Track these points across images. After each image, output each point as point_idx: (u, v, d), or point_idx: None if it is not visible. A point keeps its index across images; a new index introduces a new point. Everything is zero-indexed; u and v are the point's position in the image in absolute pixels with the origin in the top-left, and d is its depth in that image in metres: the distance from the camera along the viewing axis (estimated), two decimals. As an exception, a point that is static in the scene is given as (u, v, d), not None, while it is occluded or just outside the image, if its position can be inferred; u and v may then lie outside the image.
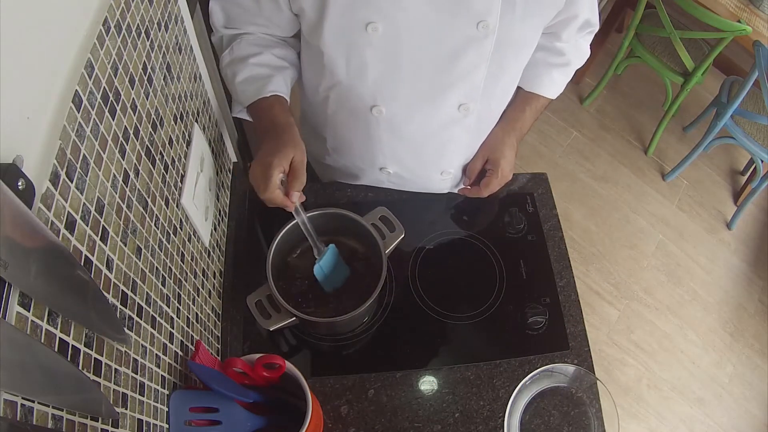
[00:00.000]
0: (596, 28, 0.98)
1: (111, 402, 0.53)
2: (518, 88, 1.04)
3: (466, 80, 0.87)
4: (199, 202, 0.88)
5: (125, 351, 0.58)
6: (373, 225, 0.94)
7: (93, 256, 0.51)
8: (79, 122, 0.50)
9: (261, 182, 0.82)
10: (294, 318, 0.89)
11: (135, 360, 0.60)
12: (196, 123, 0.90)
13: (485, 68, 0.85)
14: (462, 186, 1.10)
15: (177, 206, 0.79)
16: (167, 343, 0.72)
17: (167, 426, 0.68)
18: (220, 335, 0.97)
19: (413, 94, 0.89)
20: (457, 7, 0.77)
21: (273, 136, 0.86)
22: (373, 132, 0.97)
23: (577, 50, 1.01)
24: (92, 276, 0.51)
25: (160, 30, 0.73)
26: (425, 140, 0.99)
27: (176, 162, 0.79)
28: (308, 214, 0.92)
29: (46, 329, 0.43)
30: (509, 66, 0.91)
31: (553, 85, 1.04)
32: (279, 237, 0.92)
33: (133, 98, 0.63)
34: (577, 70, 1.05)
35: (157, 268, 0.69)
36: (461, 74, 0.86)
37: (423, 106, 0.91)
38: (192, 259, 0.85)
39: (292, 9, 0.83)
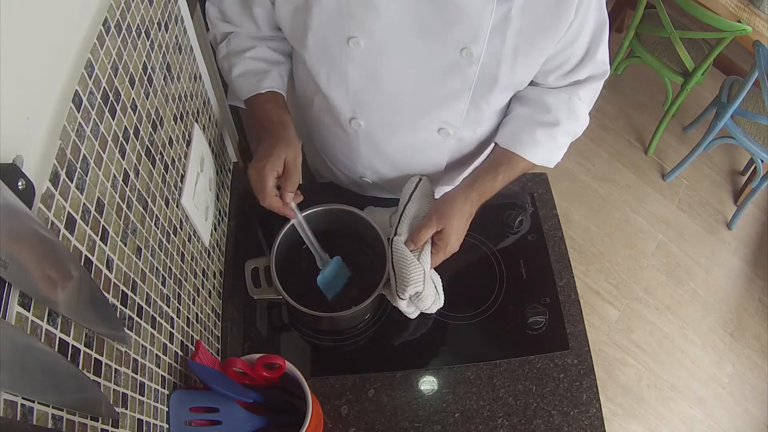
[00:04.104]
0: (604, 75, 0.90)
1: (111, 402, 0.53)
2: (495, 146, 0.96)
3: (447, 106, 0.85)
4: (199, 202, 0.88)
5: (125, 351, 0.58)
6: (389, 240, 0.94)
7: (93, 256, 0.51)
8: (79, 122, 0.50)
9: (258, 189, 0.83)
10: (280, 297, 0.89)
11: (135, 360, 0.60)
12: (196, 123, 0.90)
13: (468, 96, 0.83)
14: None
15: (177, 206, 0.79)
16: (167, 343, 0.72)
17: (167, 426, 0.68)
18: (220, 335, 0.97)
19: (392, 112, 0.88)
20: (442, 30, 0.75)
21: (266, 135, 0.86)
22: (352, 143, 0.97)
23: (570, 111, 0.91)
24: (92, 276, 0.51)
25: (160, 30, 0.73)
26: (404, 158, 0.99)
27: (176, 162, 0.79)
28: (312, 210, 0.92)
29: (46, 329, 0.43)
30: (496, 99, 0.87)
31: (534, 145, 0.91)
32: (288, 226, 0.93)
33: (133, 98, 0.63)
34: None
35: (157, 268, 0.69)
36: (442, 99, 0.84)
37: (401, 125, 0.90)
38: (192, 259, 0.85)
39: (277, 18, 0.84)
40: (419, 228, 0.90)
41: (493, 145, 0.98)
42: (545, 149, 0.92)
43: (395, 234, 0.91)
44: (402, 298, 0.87)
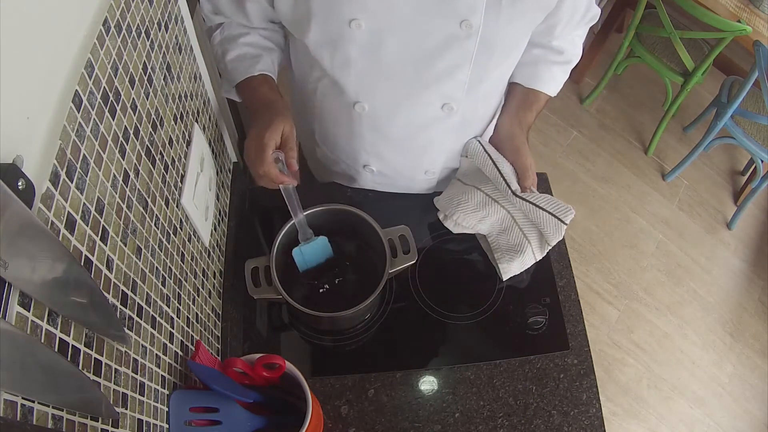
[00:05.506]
0: (596, 18, 0.98)
1: (111, 402, 0.53)
2: (517, 85, 1.04)
3: (448, 79, 0.87)
4: (199, 202, 0.88)
5: (125, 351, 0.58)
6: (390, 240, 0.94)
7: (93, 256, 0.51)
8: (79, 122, 0.50)
9: (256, 158, 0.84)
10: (279, 297, 0.89)
11: (135, 360, 0.60)
12: (196, 123, 0.90)
13: (468, 68, 0.86)
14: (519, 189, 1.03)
15: (177, 206, 0.79)
16: (167, 343, 0.72)
17: (167, 426, 0.68)
18: (220, 335, 0.97)
19: (395, 91, 0.90)
20: (441, 5, 0.77)
21: (262, 113, 0.88)
22: (356, 128, 0.98)
23: (574, 48, 1.02)
24: (92, 276, 0.51)
25: (160, 30, 0.73)
26: (408, 139, 1.00)
27: (176, 162, 0.79)
28: (311, 210, 0.93)
29: (46, 329, 0.43)
30: (495, 68, 0.91)
31: (553, 81, 1.03)
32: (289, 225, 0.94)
33: (133, 98, 0.63)
34: (577, 70, 1.05)
35: (157, 268, 0.69)
36: (443, 73, 0.86)
37: (405, 104, 0.92)
38: (192, 259, 0.85)
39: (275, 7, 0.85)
40: (523, 169, 0.99)
41: (506, 89, 1.06)
42: (560, 83, 1.05)
43: (512, 189, 0.97)
44: (568, 223, 0.95)
